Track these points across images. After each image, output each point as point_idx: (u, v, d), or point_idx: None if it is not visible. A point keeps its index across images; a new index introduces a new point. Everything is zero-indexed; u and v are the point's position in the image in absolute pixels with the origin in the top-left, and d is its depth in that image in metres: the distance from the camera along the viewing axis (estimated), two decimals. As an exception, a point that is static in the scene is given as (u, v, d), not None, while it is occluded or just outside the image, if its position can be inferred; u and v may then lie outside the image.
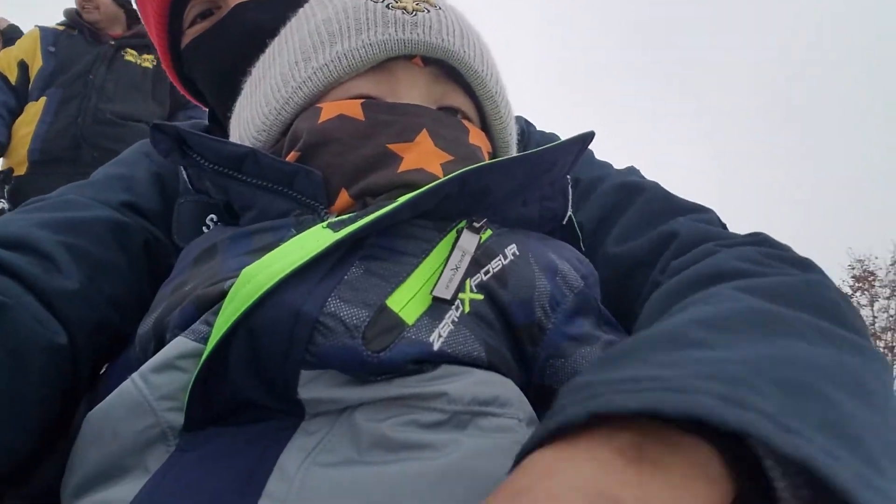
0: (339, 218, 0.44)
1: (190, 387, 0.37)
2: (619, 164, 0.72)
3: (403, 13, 0.54)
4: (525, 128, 0.78)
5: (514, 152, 0.65)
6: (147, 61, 2.41)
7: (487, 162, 0.48)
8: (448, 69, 0.56)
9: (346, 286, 0.40)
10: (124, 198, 0.60)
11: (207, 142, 0.52)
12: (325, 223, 0.43)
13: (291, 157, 0.52)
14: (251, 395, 0.38)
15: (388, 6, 0.54)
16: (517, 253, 0.46)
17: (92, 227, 0.54)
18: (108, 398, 0.39)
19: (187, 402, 0.37)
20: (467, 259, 0.43)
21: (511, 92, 0.66)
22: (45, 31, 2.39)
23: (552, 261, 0.47)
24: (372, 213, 0.42)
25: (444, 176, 0.47)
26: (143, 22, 0.82)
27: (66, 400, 0.46)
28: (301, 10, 0.61)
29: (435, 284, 0.41)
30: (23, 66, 2.32)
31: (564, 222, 0.57)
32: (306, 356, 0.37)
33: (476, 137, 0.56)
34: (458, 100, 0.58)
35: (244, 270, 0.39)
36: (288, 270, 0.38)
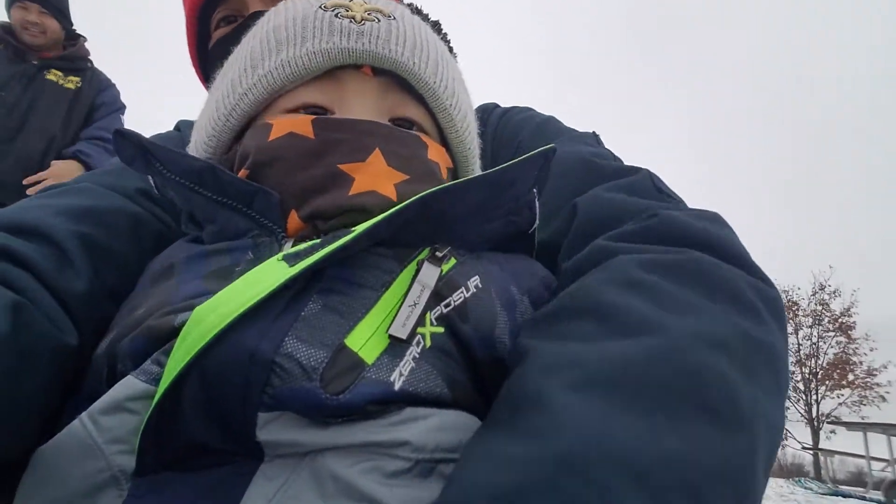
0: (294, 249, 0.41)
1: (141, 430, 0.36)
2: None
3: (351, 22, 0.53)
4: (490, 109, 0.77)
5: (475, 166, 0.63)
6: (71, 83, 2.39)
7: (443, 186, 0.46)
8: (401, 80, 0.54)
9: (303, 324, 0.38)
10: (140, 185, 0.60)
11: (168, 153, 0.51)
12: (280, 256, 0.41)
13: (242, 174, 0.51)
14: (206, 438, 0.37)
15: (336, 14, 0.54)
16: (479, 286, 0.44)
17: (108, 217, 0.54)
18: (57, 436, 0.38)
19: (138, 446, 0.36)
20: (426, 294, 0.41)
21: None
22: None
23: (513, 296, 0.46)
24: (328, 244, 0.40)
25: (398, 196, 0.46)
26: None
27: (63, 401, 0.44)
28: (262, 17, 0.61)
29: (391, 322, 0.40)
30: None
31: (530, 231, 0.55)
32: (264, 398, 0.36)
33: (435, 153, 0.54)
34: (412, 111, 0.56)
35: (196, 310, 0.37)
36: (240, 310, 0.36)
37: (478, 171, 0.63)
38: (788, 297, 20.77)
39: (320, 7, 0.54)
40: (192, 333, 0.36)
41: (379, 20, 0.54)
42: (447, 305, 0.42)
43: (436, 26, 0.63)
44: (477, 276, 0.45)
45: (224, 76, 0.58)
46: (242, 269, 0.43)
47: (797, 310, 20.69)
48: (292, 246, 0.45)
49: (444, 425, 0.37)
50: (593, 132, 0.69)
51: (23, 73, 2.34)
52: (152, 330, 0.39)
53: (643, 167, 0.58)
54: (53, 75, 2.37)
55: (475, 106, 0.66)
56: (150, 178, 0.55)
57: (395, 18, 0.55)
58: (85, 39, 2.53)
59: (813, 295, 20.21)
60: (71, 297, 0.46)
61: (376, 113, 0.54)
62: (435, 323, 0.41)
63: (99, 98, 2.46)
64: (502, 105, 0.83)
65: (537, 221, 0.54)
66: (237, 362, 0.36)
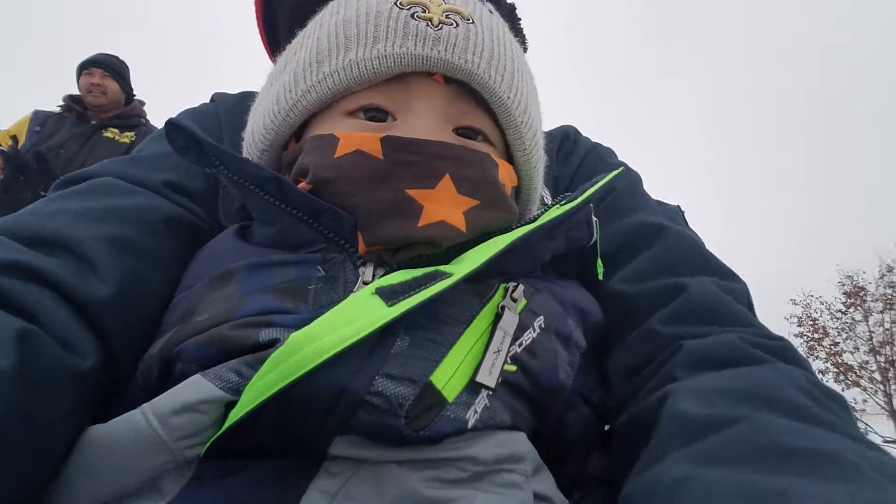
0: (388, 283, 0.41)
1: (214, 437, 0.37)
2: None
3: (427, 25, 0.50)
4: (573, 135, 0.75)
5: (539, 184, 0.61)
6: (126, 137, 2.67)
7: (534, 226, 0.48)
8: (472, 88, 0.52)
9: (393, 361, 0.40)
10: (169, 177, 0.56)
11: (227, 156, 0.50)
12: (372, 289, 0.41)
13: (303, 186, 0.49)
14: (275, 446, 0.39)
15: (413, 15, 0.50)
16: (543, 326, 0.47)
17: (137, 215, 0.51)
18: (111, 427, 0.38)
19: (208, 447, 0.37)
20: (508, 340, 0.44)
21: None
22: (36, 114, 2.70)
23: (568, 330, 0.49)
24: (427, 284, 0.41)
25: (467, 225, 0.47)
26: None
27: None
28: (331, 3, 0.57)
29: (478, 368, 0.42)
30: (14, 140, 2.58)
31: (588, 245, 0.56)
32: (344, 428, 0.38)
33: (504, 173, 0.53)
34: (480, 121, 0.54)
35: (291, 338, 0.37)
36: (339, 348, 0.36)
37: (540, 188, 0.62)
38: (854, 283, 19.64)
39: (396, 4, 0.51)
40: (287, 362, 0.36)
41: (457, 24, 0.51)
42: (520, 345, 0.45)
43: (511, 14, 0.61)
44: (542, 317, 0.47)
45: (287, 64, 0.56)
46: (317, 288, 0.44)
47: (865, 295, 19.52)
48: (373, 271, 0.46)
49: (502, 442, 0.41)
50: (678, 206, 0.66)
51: (82, 133, 2.64)
52: (227, 340, 0.40)
53: (741, 277, 0.56)
54: (110, 133, 2.66)
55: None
56: (206, 169, 0.54)
57: (473, 22, 0.52)
58: (142, 103, 2.83)
59: (881, 278, 19.06)
60: (95, 305, 0.43)
61: (443, 121, 0.52)
62: (509, 362, 0.44)
63: None
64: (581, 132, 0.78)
65: (595, 236, 0.55)
66: (326, 396, 0.37)
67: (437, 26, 0.50)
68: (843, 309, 18.80)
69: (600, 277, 0.57)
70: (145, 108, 2.85)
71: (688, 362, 0.45)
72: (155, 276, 0.49)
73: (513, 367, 0.44)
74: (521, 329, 0.45)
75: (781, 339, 0.47)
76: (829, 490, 0.30)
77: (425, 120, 0.51)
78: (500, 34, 0.55)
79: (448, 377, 0.41)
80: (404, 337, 0.41)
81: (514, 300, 0.46)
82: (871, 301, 19.30)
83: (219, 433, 0.37)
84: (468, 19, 0.52)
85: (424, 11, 0.51)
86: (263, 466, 0.38)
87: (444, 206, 0.47)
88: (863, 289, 19.38)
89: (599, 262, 0.58)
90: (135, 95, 2.86)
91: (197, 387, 0.38)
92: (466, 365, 0.42)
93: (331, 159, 0.49)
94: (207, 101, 0.71)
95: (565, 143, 0.74)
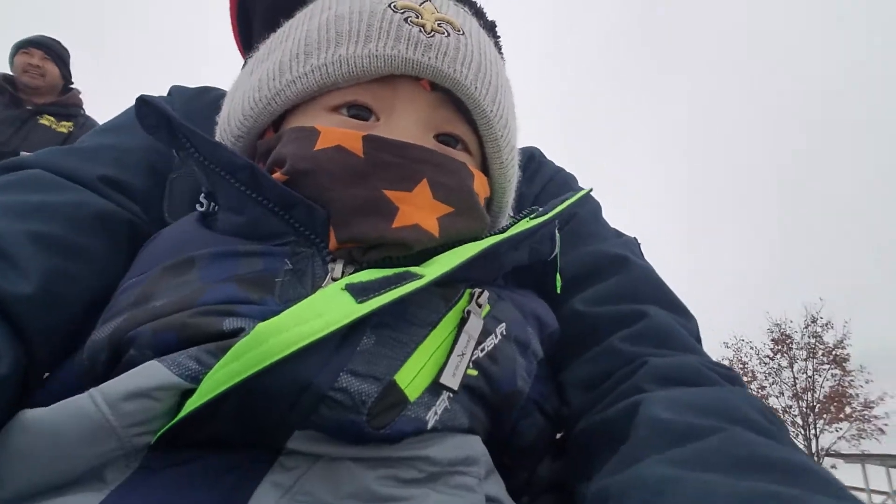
0: (359, 280, 0.41)
1: (168, 426, 0.36)
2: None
3: (420, 31, 0.50)
4: (538, 157, 0.76)
5: (510, 197, 0.62)
6: (64, 127, 2.53)
7: (507, 236, 0.49)
8: (456, 98, 0.52)
9: (359, 358, 0.39)
10: (105, 172, 0.54)
11: (200, 138, 0.49)
12: (342, 284, 0.40)
13: (278, 177, 0.48)
14: (232, 437, 0.37)
15: (406, 19, 0.51)
16: (504, 333, 0.47)
17: (66, 212, 0.48)
18: (53, 411, 0.36)
19: (159, 436, 0.36)
20: (472, 344, 0.44)
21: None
22: None
23: (527, 338, 0.50)
24: (397, 284, 0.41)
25: (440, 231, 0.47)
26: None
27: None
28: None
29: (442, 369, 0.42)
30: None
31: (549, 259, 0.57)
32: (304, 422, 0.37)
33: (478, 183, 0.54)
34: (461, 130, 0.55)
35: (258, 328, 0.36)
36: (306, 341, 0.35)
37: (511, 202, 0.63)
38: (782, 331, 20.70)
39: (390, 6, 0.51)
40: (252, 352, 0.35)
41: (449, 34, 0.51)
42: (482, 350, 0.45)
43: (492, 30, 0.62)
44: (504, 324, 0.48)
45: (271, 52, 0.56)
46: (284, 281, 0.43)
47: (791, 343, 20.60)
48: (342, 268, 0.45)
49: (458, 444, 0.41)
50: (635, 238, 0.68)
51: (16, 118, 2.48)
52: (188, 327, 0.38)
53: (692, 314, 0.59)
54: (46, 120, 2.52)
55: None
56: (173, 151, 0.53)
57: (464, 34, 0.53)
58: (79, 91, 2.69)
59: (805, 328, 20.17)
60: (14, 302, 0.41)
61: (425, 126, 0.53)
62: (471, 366, 0.44)
63: None
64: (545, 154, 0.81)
65: (556, 250, 0.57)
66: (290, 389, 0.37)
67: (429, 33, 0.50)
68: (771, 355, 19.78)
69: (558, 291, 0.58)
70: (82, 97, 2.72)
71: (654, 377, 0.47)
72: (83, 275, 0.47)
73: (474, 372, 0.44)
74: (484, 334, 0.46)
75: (731, 369, 0.50)
76: (820, 500, 0.32)
77: (408, 123, 0.51)
78: (487, 48, 0.56)
79: (412, 377, 0.41)
80: (371, 335, 0.41)
81: (480, 306, 0.46)
82: (797, 349, 20.40)
83: (173, 422, 0.36)
84: (459, 31, 0.53)
85: (418, 17, 0.51)
86: (216, 457, 0.36)
87: (419, 210, 0.47)
88: (789, 337, 20.47)
89: (558, 277, 0.59)
90: (72, 84, 2.73)
91: (152, 372, 0.36)
92: (430, 366, 0.42)
93: (310, 152, 0.48)
94: (165, 94, 0.69)
95: (530, 163, 0.75)
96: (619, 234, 0.67)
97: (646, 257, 0.66)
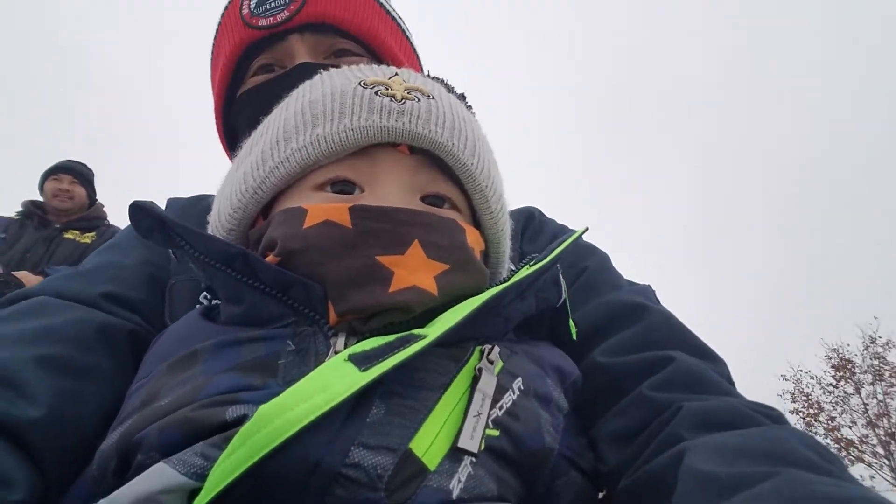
0: (361, 349, 0.40)
1: None
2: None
3: (391, 100, 0.52)
4: (538, 216, 0.78)
5: (506, 247, 0.63)
6: (87, 238, 2.76)
7: (505, 287, 0.48)
8: (435, 158, 0.54)
9: (369, 430, 0.38)
10: (106, 289, 0.58)
11: (195, 235, 0.50)
12: (344, 355, 0.40)
13: (271, 260, 0.49)
14: None
15: (376, 92, 0.53)
16: (522, 388, 0.46)
17: (70, 332, 0.51)
18: None
19: None
20: (488, 402, 0.42)
21: (508, 186, 0.63)
22: None
23: (548, 391, 0.48)
24: (399, 348, 0.40)
25: (438, 289, 0.47)
26: (210, 76, 0.89)
27: None
28: (296, 90, 0.60)
29: (459, 433, 0.40)
30: None
31: (558, 305, 0.57)
32: None
33: (471, 237, 0.54)
34: (445, 188, 0.56)
35: (261, 410, 0.35)
36: (312, 417, 0.35)
37: (508, 251, 0.64)
38: (841, 356, 19.57)
39: (360, 84, 0.54)
40: (257, 435, 0.34)
41: (419, 99, 0.54)
42: (501, 408, 0.43)
43: (463, 100, 0.64)
44: (520, 378, 0.46)
45: (253, 147, 0.58)
46: (287, 362, 0.43)
47: (853, 367, 19.41)
48: (346, 339, 0.44)
49: None
50: (649, 285, 0.68)
51: (46, 238, 2.72)
52: (191, 421, 0.38)
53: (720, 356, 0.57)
54: (71, 234, 2.76)
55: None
56: (170, 251, 0.54)
57: (433, 98, 0.55)
58: (102, 205, 2.95)
59: (865, 349, 19.05)
60: (25, 427, 0.42)
61: (409, 190, 0.54)
62: (491, 426, 0.42)
63: None
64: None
65: (564, 295, 0.56)
66: (299, 470, 0.35)
67: (400, 101, 0.53)
68: (834, 382, 18.61)
69: (574, 337, 0.58)
70: (105, 210, 2.97)
71: (692, 423, 0.45)
72: (92, 392, 0.49)
73: (495, 432, 0.42)
74: (500, 391, 0.44)
75: (773, 407, 0.47)
76: None
77: (392, 189, 0.53)
78: (458, 108, 0.58)
79: (428, 444, 0.39)
80: (380, 405, 0.40)
81: (491, 362, 0.45)
82: (860, 373, 19.17)
83: None
84: (428, 95, 0.55)
85: (387, 89, 0.54)
86: None
87: (414, 271, 0.47)
88: (850, 361, 19.29)
89: (571, 323, 0.58)
90: (96, 200, 2.99)
91: (158, 475, 0.35)
92: (447, 431, 0.40)
93: (300, 230, 0.49)
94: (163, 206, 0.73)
95: (531, 222, 0.77)
96: (631, 283, 0.68)
97: (662, 303, 0.64)
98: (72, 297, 0.56)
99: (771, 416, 0.46)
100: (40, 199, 2.88)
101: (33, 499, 0.41)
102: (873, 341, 18.96)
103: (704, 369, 0.51)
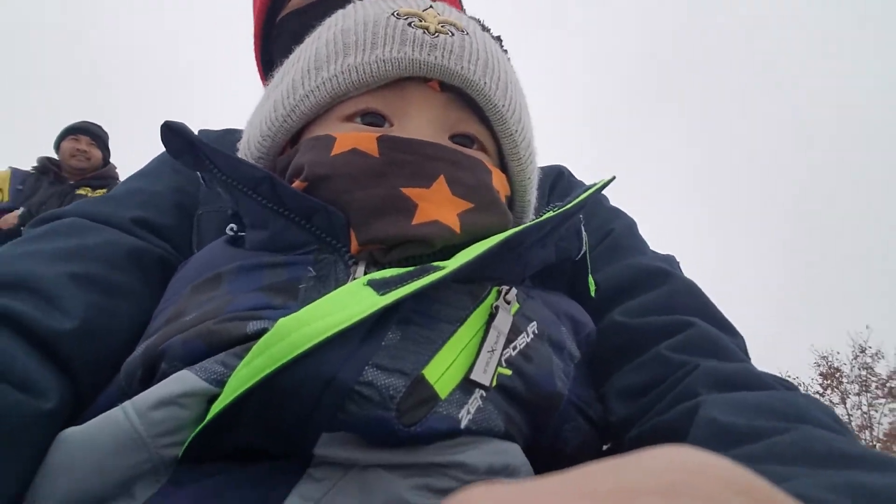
0: (381, 276, 0.41)
1: (195, 433, 0.36)
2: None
3: (424, 33, 0.51)
4: (567, 175, 0.77)
5: (532, 196, 0.62)
6: (99, 193, 2.77)
7: (525, 227, 0.48)
8: (466, 97, 0.53)
9: (384, 353, 0.39)
10: (136, 214, 0.58)
11: (224, 158, 0.50)
12: (364, 280, 0.41)
13: (298, 185, 0.50)
14: (258, 443, 0.37)
15: (409, 24, 0.52)
16: (536, 332, 0.46)
17: (102, 252, 0.51)
18: (89, 427, 0.37)
19: (188, 444, 0.36)
20: (502, 340, 0.43)
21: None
22: (16, 172, 2.87)
23: (561, 338, 0.48)
24: (418, 276, 0.41)
25: (461, 226, 0.47)
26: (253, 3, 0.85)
27: None
28: (329, 18, 0.59)
29: (472, 366, 0.40)
30: None
31: (577, 258, 0.56)
32: (332, 421, 0.36)
33: (497, 180, 0.54)
34: (475, 129, 0.55)
35: (280, 322, 0.36)
36: (329, 333, 0.36)
37: (534, 200, 0.63)
38: (830, 364, 19.78)
39: (393, 14, 0.53)
40: (276, 346, 0.35)
41: (452, 34, 0.53)
42: (515, 348, 0.44)
43: (499, 41, 0.62)
44: (535, 322, 0.47)
45: (284, 76, 0.57)
46: (308, 287, 0.43)
47: (841, 377, 19.65)
48: (365, 268, 0.45)
49: (496, 450, 0.39)
50: (672, 255, 0.67)
51: (60, 193, 2.81)
52: (214, 334, 0.39)
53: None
54: (84, 190, 2.87)
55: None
56: (198, 173, 0.55)
57: (468, 34, 0.54)
58: (115, 166, 2.97)
59: (854, 359, 19.27)
60: (58, 338, 0.43)
61: (438, 127, 0.53)
62: (504, 365, 0.42)
63: None
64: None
65: (584, 247, 0.56)
66: (314, 384, 0.36)
67: (433, 34, 0.52)
68: (821, 391, 18.83)
69: (592, 294, 0.57)
70: (117, 170, 3.04)
71: (709, 381, 0.44)
72: (122, 309, 0.49)
73: (508, 371, 0.42)
74: (514, 332, 0.44)
75: (789, 381, 0.47)
76: None
77: (421, 125, 0.52)
78: (492, 48, 0.56)
79: (441, 373, 0.39)
80: (396, 331, 0.40)
81: (508, 302, 0.45)
82: (847, 383, 19.40)
83: (200, 427, 0.36)
84: (463, 31, 0.54)
85: (421, 21, 0.53)
86: (244, 470, 0.36)
87: (438, 206, 0.47)
88: (838, 370, 19.50)
89: (591, 279, 0.57)
90: (110, 161, 3.07)
91: (180, 380, 0.37)
92: (460, 363, 0.41)
93: (327, 157, 0.49)
94: None
95: (559, 180, 0.75)
96: (656, 252, 0.66)
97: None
98: (103, 220, 0.56)
99: (786, 385, 0.46)
100: (55, 156, 2.94)
101: (65, 408, 0.42)
102: (863, 351, 19.14)
103: (723, 338, 0.51)
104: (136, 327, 0.49)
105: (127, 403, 0.37)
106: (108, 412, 0.37)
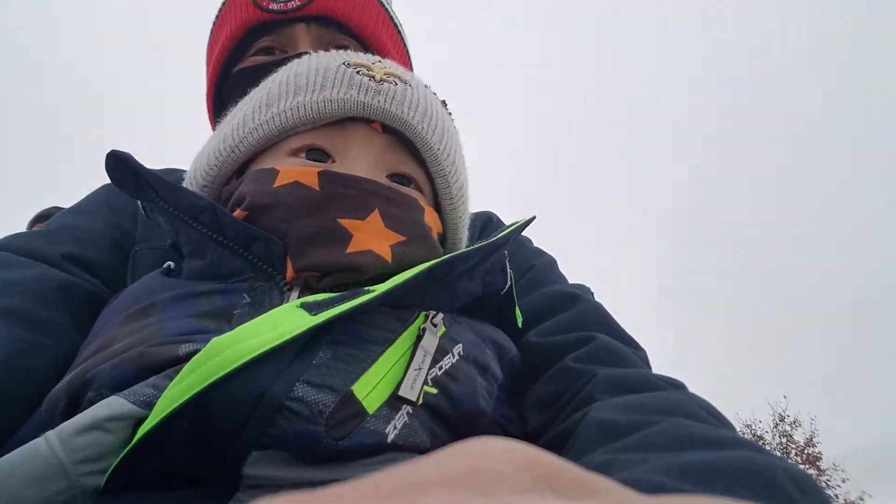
0: (314, 299, 0.43)
1: (122, 454, 0.35)
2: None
3: (371, 80, 0.55)
4: (495, 220, 0.83)
5: (463, 235, 0.66)
6: None
7: (452, 255, 0.50)
8: (406, 141, 0.57)
9: (315, 370, 0.40)
10: (68, 249, 0.59)
11: (167, 186, 0.51)
12: (297, 302, 0.42)
13: (238, 214, 0.52)
14: (185, 465, 0.37)
15: (357, 72, 0.56)
16: (461, 353, 0.48)
17: (29, 286, 0.52)
18: (8, 456, 0.35)
19: (112, 470, 0.35)
20: (428, 359, 0.45)
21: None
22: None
23: (486, 359, 0.51)
24: (348, 299, 0.43)
25: (392, 257, 0.50)
26: (208, 46, 0.90)
27: None
28: (283, 66, 0.62)
29: (399, 383, 0.42)
30: None
31: (503, 292, 0.59)
32: (263, 438, 0.37)
33: (429, 217, 0.57)
34: (412, 169, 0.58)
35: (213, 341, 0.37)
36: (262, 350, 0.37)
37: (465, 239, 0.68)
38: (753, 432, 20.45)
39: (344, 63, 0.57)
40: (208, 363, 0.36)
41: (396, 83, 0.57)
42: (440, 368, 0.46)
43: (444, 104, 0.66)
44: (461, 344, 0.49)
45: (237, 113, 0.61)
46: (242, 312, 0.45)
47: (763, 444, 20.23)
48: (300, 294, 0.47)
49: None
50: (588, 287, 0.73)
51: None
52: (145, 356, 0.39)
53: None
54: None
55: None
56: (139, 203, 0.56)
57: (410, 86, 0.58)
58: None
59: (775, 427, 20.03)
60: None
61: (377, 166, 0.56)
62: (430, 384, 0.44)
63: None
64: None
65: (510, 282, 0.59)
66: (244, 400, 0.36)
67: (378, 81, 0.56)
68: (747, 457, 19.29)
69: (519, 325, 0.61)
70: None
71: (604, 387, 0.49)
72: (47, 344, 0.50)
73: (433, 390, 0.45)
74: (440, 353, 0.47)
75: (678, 380, 0.52)
76: (748, 454, 0.35)
77: (361, 163, 0.55)
78: (432, 100, 0.61)
79: (369, 389, 0.41)
80: (327, 350, 0.42)
81: (435, 325, 0.48)
82: (770, 450, 19.92)
83: (126, 450, 0.35)
84: (406, 83, 0.58)
85: (369, 71, 0.57)
86: (169, 498, 0.36)
87: (372, 237, 0.50)
88: (761, 438, 20.16)
89: (518, 311, 0.61)
90: None
91: (106, 405, 0.36)
92: (388, 380, 0.42)
93: (270, 188, 0.52)
94: None
95: (488, 224, 0.82)
96: (573, 283, 0.71)
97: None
98: (34, 255, 0.57)
99: (674, 385, 0.51)
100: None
101: None
102: (782, 419, 19.98)
103: (623, 348, 0.56)
104: (61, 363, 0.49)
105: (50, 431, 0.36)
106: (32, 441, 0.36)
